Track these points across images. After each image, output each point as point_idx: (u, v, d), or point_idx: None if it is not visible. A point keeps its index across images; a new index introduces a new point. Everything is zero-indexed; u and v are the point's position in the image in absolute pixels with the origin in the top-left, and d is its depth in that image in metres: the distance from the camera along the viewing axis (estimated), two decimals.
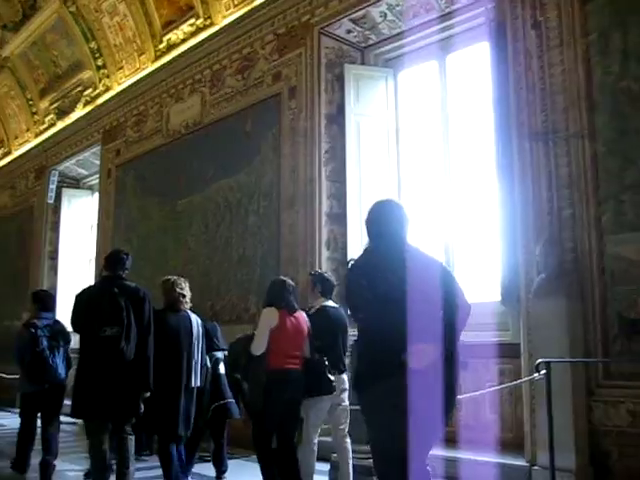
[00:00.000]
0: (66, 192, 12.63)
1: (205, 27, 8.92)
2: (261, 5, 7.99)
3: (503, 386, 5.56)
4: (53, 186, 12.39)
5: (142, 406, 4.72)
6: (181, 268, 8.72)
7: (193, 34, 9.09)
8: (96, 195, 11.80)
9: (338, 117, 7.37)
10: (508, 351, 5.69)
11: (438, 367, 2.91)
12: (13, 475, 5.98)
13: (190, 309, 5.37)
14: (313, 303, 5.18)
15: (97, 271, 10.30)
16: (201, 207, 8.60)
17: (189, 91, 9.12)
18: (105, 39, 10.57)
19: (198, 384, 5.24)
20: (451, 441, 5.75)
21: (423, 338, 2.89)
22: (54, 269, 12.46)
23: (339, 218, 7.12)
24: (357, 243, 6.93)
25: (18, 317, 10.38)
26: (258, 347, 4.63)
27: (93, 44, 10.79)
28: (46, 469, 5.68)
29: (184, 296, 5.28)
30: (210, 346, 5.69)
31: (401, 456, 2.88)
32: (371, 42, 7.64)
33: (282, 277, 5.04)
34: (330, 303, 5.16)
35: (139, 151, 10.00)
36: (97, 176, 11.60)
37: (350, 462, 4.88)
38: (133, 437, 4.83)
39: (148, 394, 4.73)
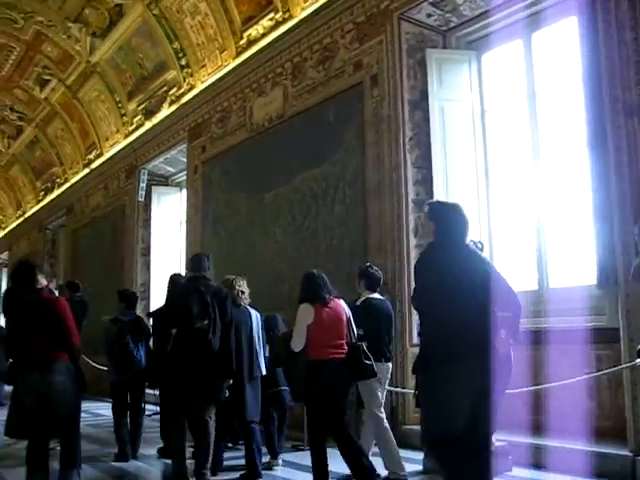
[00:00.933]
0: (156, 190, 13.04)
1: (284, 20, 8.98)
2: None
3: (602, 372, 5.38)
4: (143, 184, 12.80)
5: (227, 392, 5.25)
6: (269, 260, 8.87)
7: (273, 28, 9.17)
8: (184, 191, 12.12)
9: (421, 103, 7.29)
10: (604, 336, 5.52)
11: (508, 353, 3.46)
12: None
13: (249, 304, 5.89)
14: (360, 295, 5.50)
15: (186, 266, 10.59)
16: (287, 199, 8.69)
17: (271, 85, 9.22)
18: (187, 39, 10.80)
19: (263, 373, 5.75)
20: (537, 428, 5.66)
21: (501, 325, 3.31)
22: (147, 265, 12.89)
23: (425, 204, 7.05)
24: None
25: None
26: (297, 344, 4.87)
27: (176, 44, 11.05)
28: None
29: (243, 292, 5.82)
30: (269, 337, 6.17)
31: (484, 440, 3.32)
32: (452, 25, 7.52)
33: (312, 270, 5.17)
34: (375, 295, 5.49)
35: (224, 146, 10.19)
36: (184, 173, 11.91)
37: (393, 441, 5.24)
38: (213, 421, 5.23)
39: (231, 381, 5.28)
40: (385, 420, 5.30)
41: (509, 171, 7.19)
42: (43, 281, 5.06)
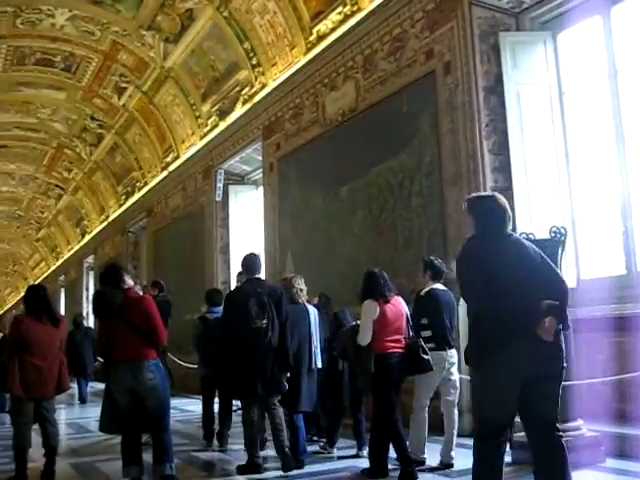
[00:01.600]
0: (232, 189, 13.27)
1: (353, 13, 8.98)
2: None
3: None
4: (220, 184, 13.05)
5: (286, 385, 5.69)
6: (348, 254, 8.89)
7: (342, 22, 9.18)
8: (261, 189, 12.28)
9: (496, 88, 7.16)
10: None
11: (557, 338, 3.45)
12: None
13: (307, 301, 6.35)
14: (424, 286, 5.71)
15: (266, 262, 10.76)
16: (364, 192, 8.69)
17: (342, 78, 9.24)
18: (257, 38, 10.93)
19: (319, 366, 6.14)
20: (623, 417, 5.49)
21: (549, 312, 3.37)
22: (227, 263, 13.15)
23: (505, 192, 6.92)
24: (525, 217, 6.72)
25: (198, 311, 11.07)
26: (364, 338, 5.22)
27: (247, 44, 11.20)
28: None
29: (301, 290, 6.22)
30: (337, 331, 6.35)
31: (548, 426, 3.50)
32: (525, 6, 7.35)
33: (373, 269, 5.60)
34: (439, 286, 5.71)
35: (298, 143, 10.27)
36: (260, 171, 12.08)
37: (455, 432, 5.54)
38: (280, 409, 5.74)
39: (289, 374, 5.74)
40: (426, 410, 5.59)
41: (591, 153, 6.98)
42: (130, 282, 5.26)
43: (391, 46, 8.31)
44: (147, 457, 5.20)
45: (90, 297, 24.79)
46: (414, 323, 5.50)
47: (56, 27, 13.25)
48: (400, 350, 5.23)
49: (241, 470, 5.68)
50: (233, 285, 12.53)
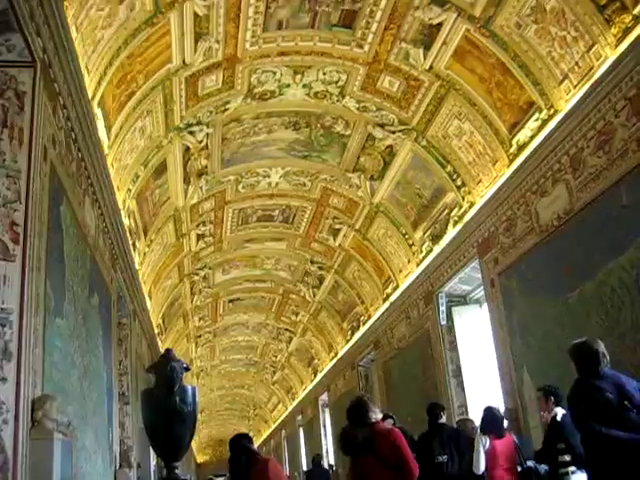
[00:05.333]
0: (456, 310, 13.19)
1: (550, 117, 8.93)
2: (602, 77, 7.76)
3: None
4: (443, 308, 13.05)
5: None
6: None
7: (540, 128, 9.15)
8: (485, 306, 12.08)
9: None
10: None
11: None
12: None
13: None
14: (550, 412, 6.53)
15: (501, 380, 10.41)
16: (595, 295, 8.20)
17: (551, 182, 9.07)
18: (458, 160, 11.18)
19: None
20: None
21: None
22: (460, 386, 12.83)
23: None
24: None
25: None
26: (478, 467, 6.85)
27: (449, 168, 11.49)
28: None
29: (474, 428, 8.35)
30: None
31: None
32: None
33: (491, 406, 7.62)
34: (563, 411, 6.38)
35: (516, 254, 10.07)
36: (481, 288, 11.93)
37: None
38: None
39: None
40: None
41: None
42: (378, 415, 5.30)
43: (597, 140, 8.08)
44: None
45: (327, 434, 25.25)
46: (548, 449, 6.27)
47: (272, 185, 14.60)
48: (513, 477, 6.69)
49: None
50: (471, 409, 12.28)
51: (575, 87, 8.36)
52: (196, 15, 8.85)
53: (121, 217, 9.98)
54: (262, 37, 9.85)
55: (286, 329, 24.74)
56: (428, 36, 9.55)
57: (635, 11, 7.14)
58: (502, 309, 10.63)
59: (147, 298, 14.19)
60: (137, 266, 12.25)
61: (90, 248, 8.08)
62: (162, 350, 16.98)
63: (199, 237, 15.89)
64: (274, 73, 10.83)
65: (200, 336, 24.36)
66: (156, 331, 16.68)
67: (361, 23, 9.64)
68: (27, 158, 5.37)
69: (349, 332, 20.29)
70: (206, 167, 12.95)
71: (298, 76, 10.93)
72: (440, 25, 9.24)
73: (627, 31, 7.32)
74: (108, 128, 8.90)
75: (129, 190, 10.86)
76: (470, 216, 11.32)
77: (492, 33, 8.87)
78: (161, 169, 11.81)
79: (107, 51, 7.91)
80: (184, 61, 9.56)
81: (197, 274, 18.28)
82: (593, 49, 7.88)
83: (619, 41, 7.47)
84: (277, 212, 16.17)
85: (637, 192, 7.43)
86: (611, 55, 7.61)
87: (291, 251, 18.21)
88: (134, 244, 11.88)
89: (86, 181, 7.93)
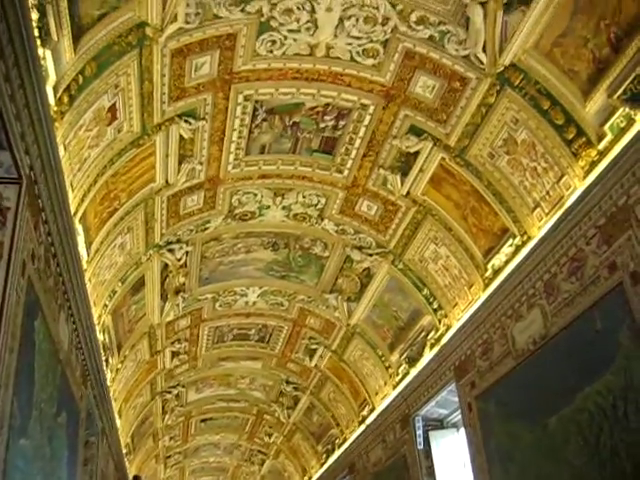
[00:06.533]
0: (432, 434, 12.91)
1: (524, 243, 9.16)
2: (572, 206, 8.04)
3: None
4: (420, 432, 12.80)
5: None
6: None
7: (514, 253, 9.36)
8: (462, 431, 11.86)
9: None
10: None
11: None
12: None
13: None
14: None
15: None
16: (573, 420, 8.11)
17: (527, 307, 9.17)
18: (435, 283, 11.34)
19: None
20: None
21: None
22: None
23: None
24: None
25: None
26: None
27: (425, 291, 11.63)
28: None
29: None
30: None
31: None
32: None
33: None
34: None
35: (493, 378, 10.01)
36: (458, 412, 11.76)
37: None
38: None
39: None
40: None
41: None
42: None
43: (570, 266, 8.26)
44: None
45: None
46: None
47: (249, 304, 14.63)
48: None
49: None
50: None
51: (547, 215, 8.64)
52: (181, 138, 9.17)
53: (96, 333, 9.86)
54: (244, 160, 10.18)
55: (259, 450, 24.06)
56: (405, 163, 9.95)
57: (600, 146, 7.53)
58: (480, 434, 10.44)
59: (117, 416, 13.78)
60: (109, 383, 11.98)
61: (62, 364, 7.93)
62: (130, 473, 16.33)
63: (174, 354, 15.72)
64: (255, 195, 11.12)
65: (170, 457, 23.61)
66: (124, 451, 16.08)
67: (341, 150, 10.03)
68: (5, 273, 5.36)
69: (324, 455, 19.72)
70: (184, 285, 12.98)
71: (278, 198, 11.22)
72: (417, 153, 9.64)
73: (593, 164, 7.67)
74: (88, 244, 8.97)
75: (105, 306, 10.79)
76: (447, 339, 11.34)
77: (466, 162, 9.26)
78: (138, 285, 11.81)
79: (93, 169, 8.10)
80: (167, 181, 9.79)
81: (170, 392, 17.92)
82: (563, 180, 8.22)
83: (587, 173, 7.81)
84: (253, 331, 16.13)
85: (610, 317, 7.53)
86: (580, 186, 7.93)
87: (266, 371, 18.00)
88: (107, 360, 11.68)
89: (62, 296, 7.89)
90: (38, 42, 5.67)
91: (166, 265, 11.97)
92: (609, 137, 7.37)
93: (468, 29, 7.69)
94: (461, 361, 11.03)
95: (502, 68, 7.90)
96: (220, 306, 14.53)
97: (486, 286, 10.08)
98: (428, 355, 12.13)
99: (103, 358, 10.90)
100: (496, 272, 9.81)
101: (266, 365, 17.66)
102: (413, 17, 7.80)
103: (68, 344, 8.36)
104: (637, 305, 7.14)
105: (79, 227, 8.25)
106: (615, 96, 7.03)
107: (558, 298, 8.49)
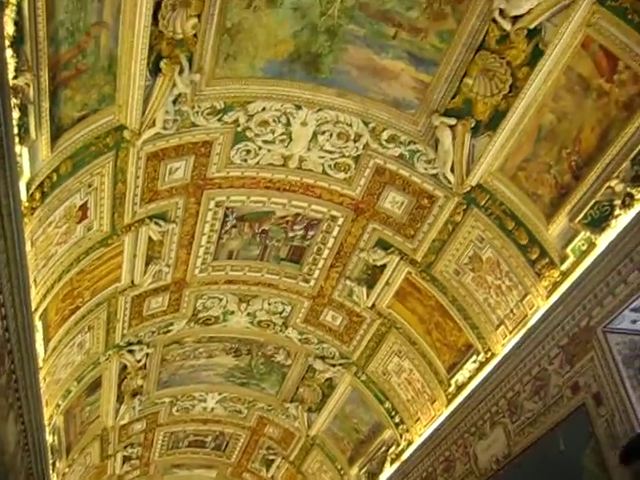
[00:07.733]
0: None
1: (487, 360, 9.17)
2: (535, 325, 8.13)
3: None
4: None
5: None
6: None
7: (478, 369, 9.35)
8: None
9: None
10: None
11: None
12: None
13: None
14: None
15: None
16: None
17: (490, 425, 9.08)
18: (397, 397, 11.23)
19: None
20: None
21: None
22: None
23: None
24: None
25: None
26: None
27: (387, 404, 11.49)
28: None
29: None
30: None
31: None
32: None
33: None
34: None
35: None
36: None
37: None
38: None
39: None
40: None
41: None
42: None
43: (533, 385, 8.26)
44: None
45: None
46: None
47: (207, 410, 14.28)
48: None
49: None
50: None
51: (511, 332, 8.70)
52: (150, 239, 9.16)
53: (45, 434, 9.44)
54: (212, 265, 10.19)
55: None
56: (372, 276, 10.04)
57: (562, 267, 7.70)
58: None
59: None
60: None
61: (5, 467, 7.53)
62: None
63: (125, 459, 15.12)
64: (220, 300, 11.07)
65: None
66: None
67: (309, 259, 10.11)
68: None
69: None
70: (142, 387, 12.64)
71: (243, 304, 11.18)
72: (384, 267, 9.75)
73: (556, 285, 7.83)
74: (46, 341, 8.74)
75: (58, 405, 10.41)
76: (407, 455, 11.10)
77: (432, 277, 9.37)
78: (95, 386, 11.47)
79: (58, 266, 8.02)
80: (133, 281, 9.71)
81: None
82: (526, 298, 8.34)
83: (550, 293, 7.95)
84: (210, 438, 15.66)
85: (574, 438, 7.47)
86: (543, 305, 8.05)
87: None
88: (54, 463, 11.13)
89: (14, 395, 7.60)
90: (16, 140, 5.74)
91: (125, 366, 11.68)
92: (571, 259, 7.55)
93: (437, 150, 7.98)
94: (422, 478, 10.75)
95: (469, 188, 8.14)
96: (177, 411, 14.15)
97: (449, 402, 9.99)
98: (389, 470, 11.82)
99: (50, 461, 10.40)
100: (459, 388, 9.75)
101: (221, 474, 17.02)
102: (384, 135, 8.10)
103: (15, 446, 7.98)
104: (600, 427, 7.11)
105: (39, 324, 8.06)
106: (576, 220, 7.26)
107: (521, 417, 8.43)
